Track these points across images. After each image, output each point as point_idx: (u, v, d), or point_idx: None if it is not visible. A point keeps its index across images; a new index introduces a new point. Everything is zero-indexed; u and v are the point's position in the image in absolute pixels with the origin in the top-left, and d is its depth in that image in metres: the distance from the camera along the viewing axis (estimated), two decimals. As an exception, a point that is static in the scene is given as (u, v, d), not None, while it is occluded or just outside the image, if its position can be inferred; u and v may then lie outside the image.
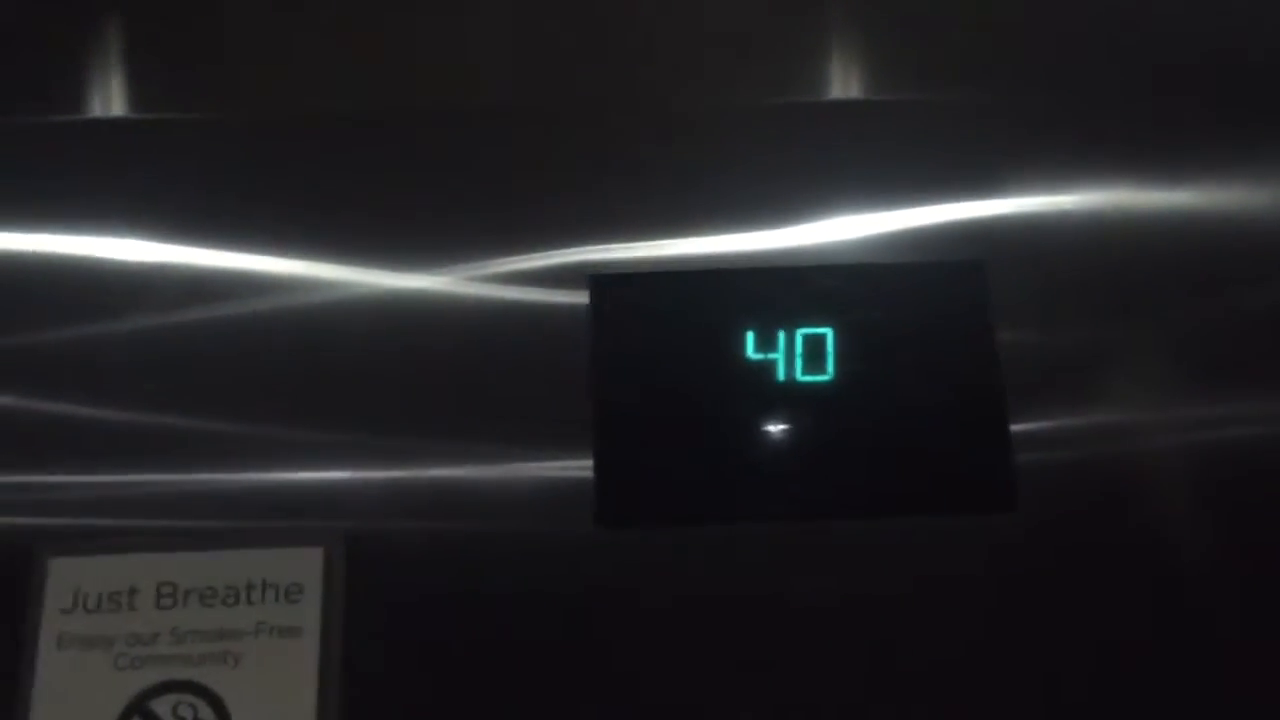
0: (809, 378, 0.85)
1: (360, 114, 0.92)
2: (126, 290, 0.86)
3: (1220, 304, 0.88)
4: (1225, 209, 0.91)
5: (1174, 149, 0.92)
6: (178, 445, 0.83)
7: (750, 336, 0.86)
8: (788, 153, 0.92)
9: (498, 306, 0.87)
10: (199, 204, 0.89)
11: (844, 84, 0.97)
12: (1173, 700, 0.80)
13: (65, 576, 0.77)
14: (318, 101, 0.94)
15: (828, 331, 0.86)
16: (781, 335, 0.86)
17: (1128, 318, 0.88)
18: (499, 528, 0.82)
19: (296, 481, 0.82)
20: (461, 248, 0.88)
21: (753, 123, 0.93)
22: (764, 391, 0.85)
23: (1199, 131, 0.93)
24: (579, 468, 0.83)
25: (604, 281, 0.87)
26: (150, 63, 0.98)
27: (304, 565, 0.78)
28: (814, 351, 0.85)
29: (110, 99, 0.96)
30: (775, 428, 0.85)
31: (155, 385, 0.84)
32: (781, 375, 0.85)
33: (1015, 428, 0.83)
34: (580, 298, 0.86)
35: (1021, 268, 0.88)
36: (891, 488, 0.84)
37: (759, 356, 0.85)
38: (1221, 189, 0.91)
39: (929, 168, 0.91)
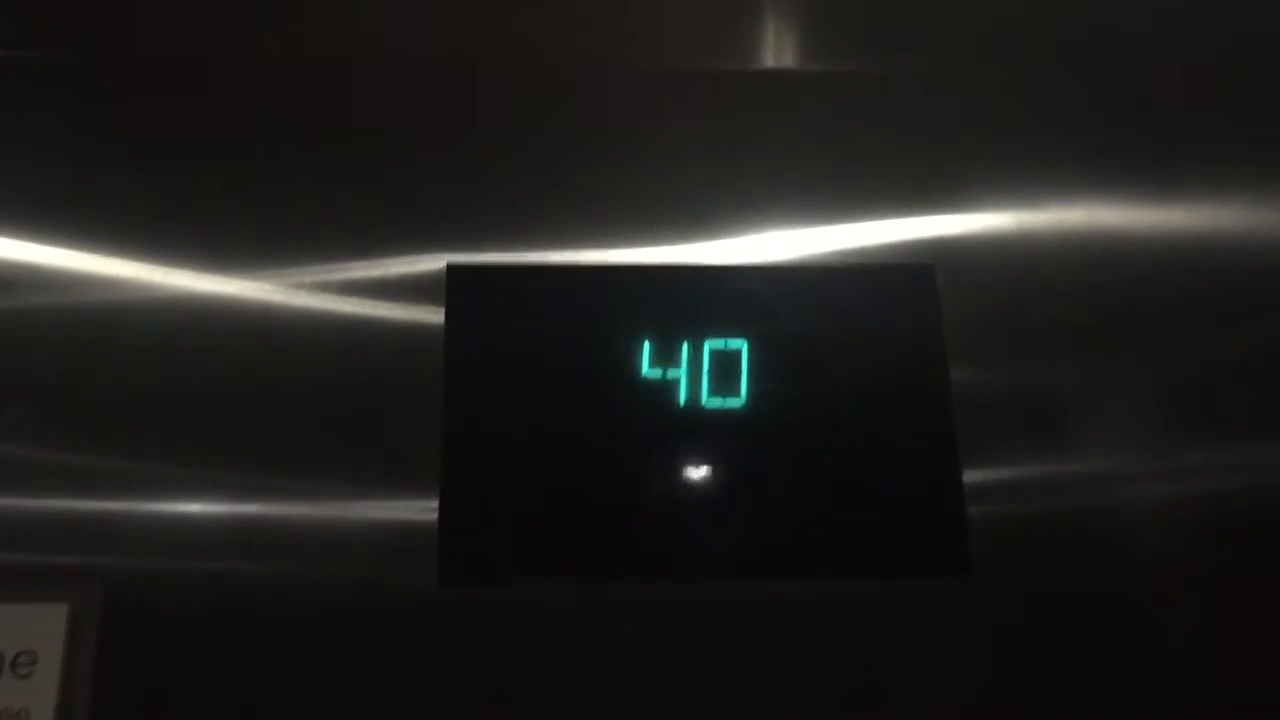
0: (717, 402, 0.69)
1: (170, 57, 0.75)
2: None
3: (1217, 338, 0.74)
4: (1227, 230, 0.76)
5: (1167, 155, 0.77)
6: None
7: (645, 349, 0.69)
8: (703, 144, 0.75)
9: (338, 319, 0.69)
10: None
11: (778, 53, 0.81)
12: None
13: None
14: (123, 41, 0.75)
15: (742, 344, 0.70)
16: (685, 348, 0.69)
17: (1105, 354, 0.72)
18: (323, 576, 0.65)
19: (64, 511, 0.65)
20: (297, 248, 0.70)
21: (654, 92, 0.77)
22: (661, 418, 0.69)
23: (1199, 138, 0.78)
24: (425, 509, 0.66)
25: (463, 275, 0.69)
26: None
27: (41, 627, 0.59)
28: (725, 369, 0.69)
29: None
30: (673, 464, 0.68)
31: None
32: (683, 398, 0.69)
33: (969, 477, 0.67)
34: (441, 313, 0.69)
35: (977, 289, 0.72)
36: (815, 544, 0.67)
37: (655, 374, 0.69)
38: (1222, 206, 0.76)
39: (875, 164, 0.75)
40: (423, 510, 0.66)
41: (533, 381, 0.68)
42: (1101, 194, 0.76)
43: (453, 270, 0.69)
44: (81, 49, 0.75)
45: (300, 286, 0.70)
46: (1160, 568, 0.69)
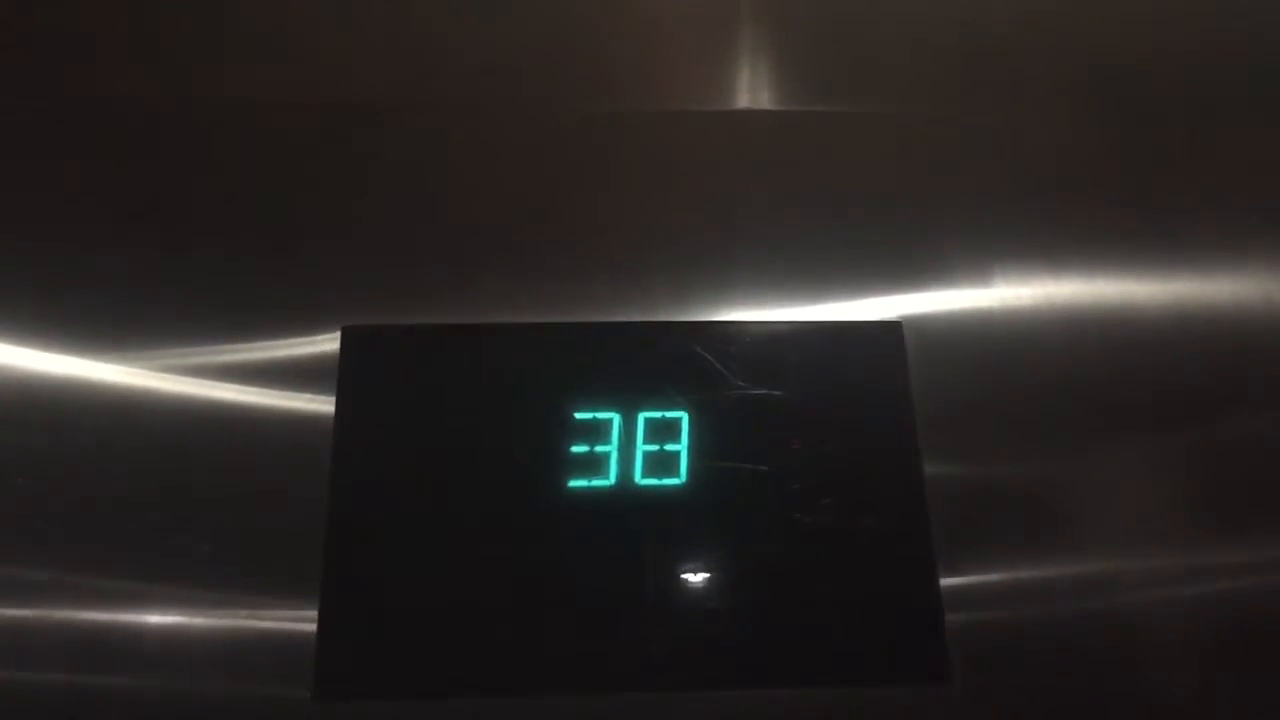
0: (652, 481, 0.60)
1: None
2: None
3: (1232, 424, 0.64)
4: (1245, 303, 0.67)
5: (1179, 221, 0.68)
6: None
7: (569, 420, 0.60)
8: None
9: (214, 406, 0.61)
10: None
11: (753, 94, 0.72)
12: None
13: None
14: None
15: (682, 415, 0.61)
16: (615, 420, 0.61)
17: (1099, 441, 0.63)
18: (189, 689, 0.56)
19: None
20: (167, 326, 0.62)
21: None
22: (587, 503, 0.60)
23: (1215, 203, 0.69)
24: (302, 617, 0.57)
25: (360, 338, 0.61)
26: None
27: None
28: (662, 444, 0.60)
29: None
30: (601, 558, 0.59)
31: None
32: (613, 477, 0.60)
33: (944, 574, 0.59)
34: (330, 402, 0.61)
35: (949, 377, 0.63)
36: (765, 649, 0.58)
37: (581, 449, 0.61)
38: (1240, 278, 0.67)
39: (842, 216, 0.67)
40: (300, 619, 0.57)
41: (435, 465, 0.59)
42: (1100, 263, 0.67)
43: (348, 333, 0.61)
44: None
45: (170, 369, 0.61)
46: (1157, 675, 0.59)
